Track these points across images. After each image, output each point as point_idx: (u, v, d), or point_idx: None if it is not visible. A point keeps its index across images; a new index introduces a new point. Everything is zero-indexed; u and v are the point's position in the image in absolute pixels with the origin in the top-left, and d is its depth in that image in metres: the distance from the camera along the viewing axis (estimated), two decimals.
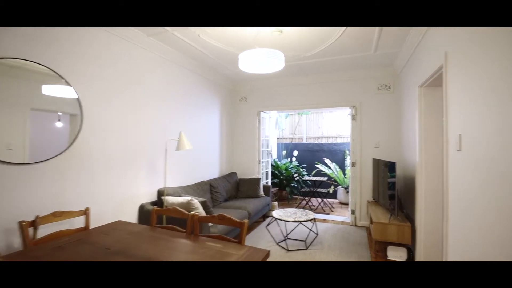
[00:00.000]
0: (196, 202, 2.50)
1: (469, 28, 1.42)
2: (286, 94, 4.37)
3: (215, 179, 3.87)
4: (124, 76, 2.46)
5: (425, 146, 2.42)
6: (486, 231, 1.24)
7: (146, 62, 2.71)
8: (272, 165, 5.66)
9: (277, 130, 6.85)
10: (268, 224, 3.42)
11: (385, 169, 2.93)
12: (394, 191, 2.85)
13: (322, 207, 5.09)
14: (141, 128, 2.65)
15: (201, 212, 2.49)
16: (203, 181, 3.57)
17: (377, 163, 3.37)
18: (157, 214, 1.93)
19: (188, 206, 2.46)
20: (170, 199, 2.60)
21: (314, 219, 3.07)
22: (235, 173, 4.43)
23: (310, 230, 3.30)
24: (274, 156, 6.49)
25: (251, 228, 3.67)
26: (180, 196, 2.72)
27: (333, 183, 5.62)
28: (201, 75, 3.69)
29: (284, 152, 6.62)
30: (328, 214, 4.69)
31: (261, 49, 1.94)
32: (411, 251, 2.67)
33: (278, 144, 6.83)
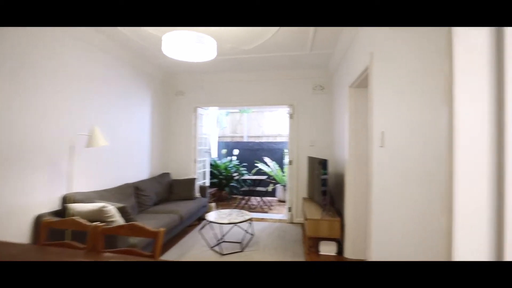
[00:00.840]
0: (111, 209, 2.10)
1: (392, 30, 1.46)
2: (225, 90, 4.18)
3: (143, 181, 3.43)
4: None
5: (354, 144, 2.54)
6: (401, 224, 1.27)
7: (44, 36, 2.17)
8: (211, 165, 5.41)
9: (218, 128, 6.60)
10: (201, 228, 3.17)
11: (318, 167, 3.01)
12: (326, 187, 2.94)
13: (261, 206, 5.07)
14: (35, 118, 2.10)
15: (118, 220, 2.11)
16: (127, 184, 3.11)
17: (312, 161, 3.46)
18: (49, 228, 1.51)
19: (100, 214, 2.04)
20: (77, 207, 2.13)
21: (250, 219, 2.95)
22: (168, 174, 4.04)
23: (246, 231, 3.18)
24: (215, 155, 6.24)
25: (185, 232, 3.37)
26: (92, 202, 2.27)
27: (272, 181, 5.68)
28: (127, 61, 3.21)
29: (224, 151, 6.43)
30: (266, 212, 4.68)
31: (186, 30, 1.70)
32: (340, 244, 2.78)
33: (218, 142, 6.60)
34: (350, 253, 2.58)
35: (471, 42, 0.85)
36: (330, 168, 3.63)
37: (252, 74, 4.03)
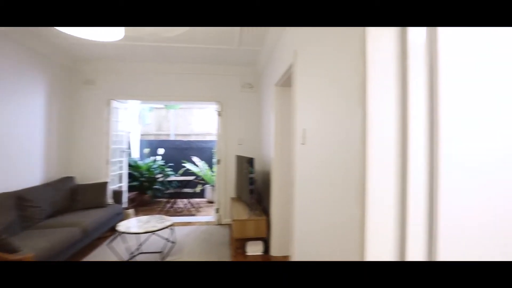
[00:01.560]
0: None
1: (314, 30, 1.46)
2: (148, 82, 3.73)
3: (31, 188, 2.72)
4: None
5: (279, 142, 2.56)
6: (321, 219, 1.28)
7: None
8: (130, 166, 4.79)
9: (140, 125, 5.93)
10: (111, 241, 2.70)
11: (246, 166, 2.95)
12: (253, 186, 2.91)
13: (188, 209, 4.76)
14: None
15: None
16: (3, 194, 2.40)
17: (240, 160, 3.39)
18: None
19: None
20: None
21: (172, 225, 2.67)
22: (71, 178, 3.35)
23: (167, 240, 2.87)
24: (136, 155, 5.58)
25: (92, 247, 2.83)
26: None
27: (201, 182, 5.42)
28: (7, 33, 2.47)
29: (147, 150, 5.81)
30: (194, 215, 4.41)
31: None
32: (267, 243, 2.79)
33: (141, 141, 5.94)
34: (276, 251, 2.60)
35: (382, 42, 0.86)
36: (258, 166, 3.63)
37: (178, 66, 3.71)
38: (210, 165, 5.66)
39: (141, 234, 2.41)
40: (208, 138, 6.30)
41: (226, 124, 3.83)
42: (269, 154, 2.98)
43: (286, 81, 2.34)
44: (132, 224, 2.58)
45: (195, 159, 5.69)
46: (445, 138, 0.82)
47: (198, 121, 6.43)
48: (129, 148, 5.00)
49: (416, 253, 0.85)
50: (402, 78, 0.85)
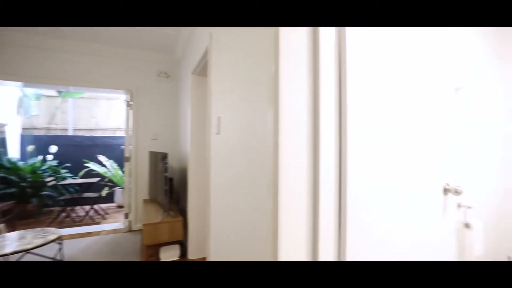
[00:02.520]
0: None
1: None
2: (32, 59, 2.90)
3: None
4: None
5: (196, 135, 2.36)
6: (237, 214, 1.17)
7: None
8: (5, 168, 3.71)
9: (21, 116, 4.68)
10: None
11: (162, 163, 2.62)
12: (169, 185, 2.61)
13: (92, 216, 4.01)
14: None
15: None
16: None
17: (154, 156, 3.01)
18: None
19: None
20: None
21: (58, 238, 2.14)
22: None
23: (52, 259, 2.29)
24: (15, 154, 4.37)
25: None
26: None
27: (108, 184, 4.67)
28: None
29: (31, 148, 4.64)
30: (99, 223, 3.74)
31: None
32: (184, 246, 2.55)
33: (23, 136, 4.70)
34: (194, 253, 2.40)
35: (293, 42, 0.81)
36: (176, 163, 3.33)
37: (77, 44, 3.03)
38: (121, 165, 4.94)
39: (9, 255, 1.82)
40: (119, 134, 5.49)
41: (138, 116, 3.36)
42: (186, 149, 2.74)
43: (203, 70, 2.16)
44: None
45: (101, 158, 4.86)
46: (352, 134, 0.83)
47: (106, 113, 5.54)
48: (2, 145, 3.87)
49: (327, 253, 0.82)
50: (313, 75, 0.82)
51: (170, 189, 3.08)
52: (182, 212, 2.72)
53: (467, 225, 1.56)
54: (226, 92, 1.35)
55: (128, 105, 3.34)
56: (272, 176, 0.81)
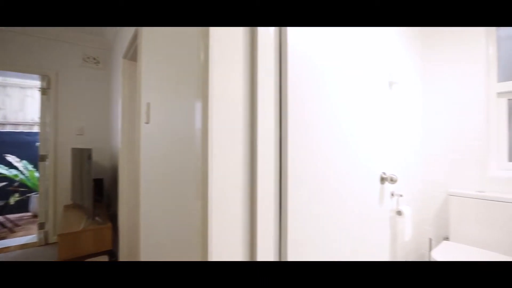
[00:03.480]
0: None
1: None
2: None
3: None
4: None
5: (128, 128, 2.06)
6: (168, 214, 1.00)
7: None
8: None
9: None
10: None
11: (88, 161, 2.23)
12: (98, 187, 2.24)
13: None
14: None
15: None
16: None
17: (78, 153, 2.56)
18: None
19: None
20: None
21: None
22: None
23: None
24: None
25: None
26: None
27: (20, 189, 3.88)
28: None
29: None
30: (4, 238, 3.05)
31: None
32: (114, 256, 2.22)
33: None
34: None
35: (227, 42, 0.69)
36: (107, 161, 2.92)
37: None
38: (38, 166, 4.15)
39: None
40: (36, 129, 4.63)
41: (58, 107, 2.83)
42: (118, 144, 2.40)
43: (135, 54, 1.89)
44: None
45: (11, 158, 4.02)
46: (292, 130, 0.76)
47: (19, 105, 4.62)
48: None
49: (266, 253, 0.72)
50: (250, 69, 0.72)
51: (99, 191, 2.67)
52: (113, 217, 2.37)
53: (399, 213, 1.67)
54: (157, 77, 1.16)
55: (44, 93, 2.79)
56: (202, 171, 0.67)
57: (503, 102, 1.86)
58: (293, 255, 0.77)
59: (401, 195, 1.68)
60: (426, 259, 2.04)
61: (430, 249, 1.92)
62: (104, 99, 3.11)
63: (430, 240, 1.99)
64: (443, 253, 1.59)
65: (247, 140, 0.73)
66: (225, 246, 0.68)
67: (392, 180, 1.12)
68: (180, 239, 0.88)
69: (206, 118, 0.66)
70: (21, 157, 4.11)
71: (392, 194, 1.67)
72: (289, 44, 0.76)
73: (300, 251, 0.79)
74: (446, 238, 1.89)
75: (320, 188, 0.86)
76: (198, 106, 0.71)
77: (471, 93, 1.90)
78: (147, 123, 1.25)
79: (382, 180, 1.14)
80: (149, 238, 1.29)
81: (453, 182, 1.95)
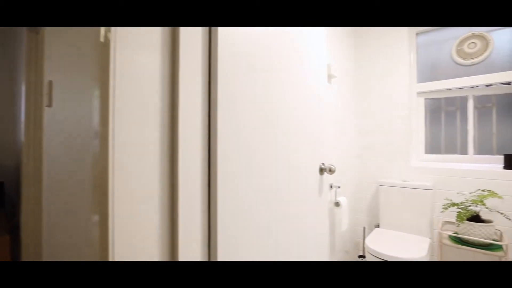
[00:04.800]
0: None
1: None
2: None
3: None
4: None
5: (34, 116, 1.68)
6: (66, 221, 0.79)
7: None
8: None
9: None
10: None
11: None
12: None
13: None
14: None
15: None
16: None
17: None
18: None
19: None
20: None
21: None
22: None
23: None
24: None
25: None
26: None
27: None
28: None
29: None
30: None
31: None
32: None
33: None
34: None
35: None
36: (9, 161, 2.37)
37: None
38: None
39: None
40: None
41: None
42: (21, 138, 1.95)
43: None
44: None
45: None
46: (223, 124, 0.66)
47: None
48: None
49: (191, 252, 0.60)
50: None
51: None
52: (16, 228, 1.92)
53: (337, 204, 1.72)
54: (60, 52, 0.92)
55: None
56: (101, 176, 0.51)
57: (421, 101, 2.10)
58: (225, 254, 0.66)
59: (339, 187, 1.74)
60: (361, 247, 2.18)
61: (364, 237, 2.05)
62: (3, 81, 2.52)
63: (364, 228, 2.13)
64: (374, 240, 1.70)
65: (166, 128, 0.59)
66: (136, 244, 0.53)
67: (331, 171, 1.11)
68: (86, 243, 0.69)
69: (106, 107, 0.51)
70: None
71: (331, 186, 1.71)
72: (219, 44, 0.66)
73: (233, 248, 0.69)
74: (377, 226, 2.04)
75: (257, 181, 0.78)
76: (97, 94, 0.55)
77: (397, 92, 2.09)
78: (48, 106, 0.99)
79: (321, 171, 1.13)
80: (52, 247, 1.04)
81: (383, 173, 2.12)
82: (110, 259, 0.50)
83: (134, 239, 0.53)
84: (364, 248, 1.99)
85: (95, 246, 0.56)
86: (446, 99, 2.03)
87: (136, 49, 0.55)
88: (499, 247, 1.51)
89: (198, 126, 0.63)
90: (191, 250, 0.60)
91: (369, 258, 1.61)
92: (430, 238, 1.76)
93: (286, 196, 0.91)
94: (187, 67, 0.61)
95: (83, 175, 0.65)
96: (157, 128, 0.58)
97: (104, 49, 0.54)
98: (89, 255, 0.60)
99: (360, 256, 2.10)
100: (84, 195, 0.64)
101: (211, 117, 0.66)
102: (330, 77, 1.69)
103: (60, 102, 0.86)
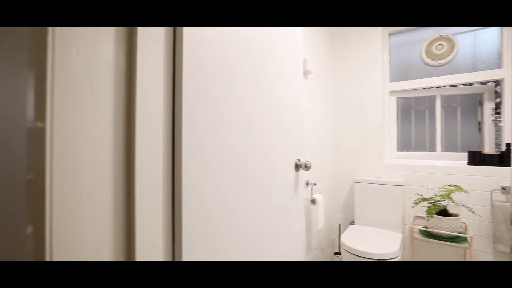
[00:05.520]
0: None
1: None
2: None
3: None
4: None
5: None
6: None
7: None
8: None
9: None
10: None
11: None
12: None
13: None
14: None
15: None
16: None
17: None
18: None
19: None
20: None
21: None
22: None
23: None
24: None
25: None
26: None
27: None
28: None
29: None
30: None
31: None
32: None
33: None
34: None
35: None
36: None
37: None
38: None
39: None
40: None
41: None
42: None
43: None
44: None
45: None
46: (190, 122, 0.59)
47: None
48: None
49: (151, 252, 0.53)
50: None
51: None
52: None
53: (313, 201, 1.71)
54: None
55: None
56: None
57: (394, 100, 2.15)
58: (192, 254, 0.60)
59: (315, 184, 1.73)
60: (337, 244, 2.20)
61: (340, 234, 2.06)
62: None
63: (340, 225, 2.15)
64: (349, 237, 1.71)
65: (121, 123, 0.52)
66: (81, 245, 0.45)
67: (306, 167, 1.08)
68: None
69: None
70: None
71: (307, 183, 1.70)
72: (185, 45, 0.60)
73: (202, 247, 0.63)
74: (352, 222, 2.07)
75: (229, 177, 0.72)
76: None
77: (371, 91, 2.13)
78: None
79: (297, 167, 1.10)
80: None
81: (358, 170, 2.15)
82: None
83: (78, 240, 0.45)
84: (339, 245, 2.00)
85: (30, 248, 0.47)
86: (416, 98, 2.11)
87: (81, 37, 0.47)
88: (464, 239, 1.57)
89: (159, 121, 0.56)
90: (150, 250, 0.54)
91: (344, 254, 1.61)
92: (402, 233, 1.81)
93: (261, 193, 0.86)
94: (146, 58, 0.54)
95: (18, 175, 0.56)
96: (110, 122, 0.50)
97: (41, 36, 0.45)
98: (25, 258, 0.51)
99: (336, 253, 2.12)
100: (18, 196, 0.55)
101: (175, 111, 0.60)
102: (306, 73, 1.68)
103: None
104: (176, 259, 0.58)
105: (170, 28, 0.60)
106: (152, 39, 0.56)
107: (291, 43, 1.07)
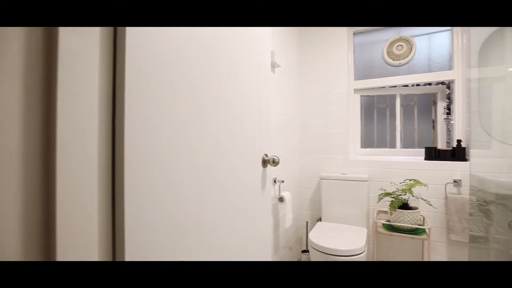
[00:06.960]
0: None
1: None
2: None
3: None
4: None
5: None
6: None
7: None
8: None
9: None
10: None
11: None
12: None
13: None
14: None
15: None
16: None
17: None
18: None
19: None
20: None
21: None
22: None
23: None
24: None
25: None
26: None
27: None
28: None
29: None
30: None
31: None
32: None
33: None
34: None
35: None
36: None
37: None
38: None
39: None
40: None
41: None
42: None
43: None
44: None
45: None
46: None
47: None
48: None
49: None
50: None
51: None
52: None
53: (281, 199, 1.65)
54: None
55: None
56: None
57: (358, 98, 2.20)
58: (139, 254, 0.48)
59: (282, 181, 1.68)
60: (304, 242, 2.18)
61: (307, 231, 2.05)
62: None
63: (307, 223, 2.14)
64: (317, 234, 1.68)
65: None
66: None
67: (274, 162, 1.01)
68: None
69: None
70: None
71: (275, 181, 1.64)
72: (127, 48, 0.48)
73: (151, 248, 0.51)
74: (319, 219, 2.06)
75: (187, 173, 0.61)
76: None
77: (336, 88, 2.15)
78: None
79: (264, 162, 1.02)
80: None
81: (324, 166, 2.16)
82: None
83: None
84: (307, 242, 1.98)
85: None
86: (378, 96, 2.18)
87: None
88: (423, 231, 1.64)
89: (94, 119, 0.44)
90: (78, 248, 0.41)
91: (312, 252, 1.58)
92: (367, 228, 1.84)
93: (226, 191, 0.76)
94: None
95: None
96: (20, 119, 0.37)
97: None
98: None
99: (303, 251, 2.09)
100: None
101: (116, 108, 0.48)
102: (273, 65, 1.62)
103: None
104: (118, 259, 0.46)
105: (110, 28, 0.48)
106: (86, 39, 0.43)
107: (257, 34, 0.99)
